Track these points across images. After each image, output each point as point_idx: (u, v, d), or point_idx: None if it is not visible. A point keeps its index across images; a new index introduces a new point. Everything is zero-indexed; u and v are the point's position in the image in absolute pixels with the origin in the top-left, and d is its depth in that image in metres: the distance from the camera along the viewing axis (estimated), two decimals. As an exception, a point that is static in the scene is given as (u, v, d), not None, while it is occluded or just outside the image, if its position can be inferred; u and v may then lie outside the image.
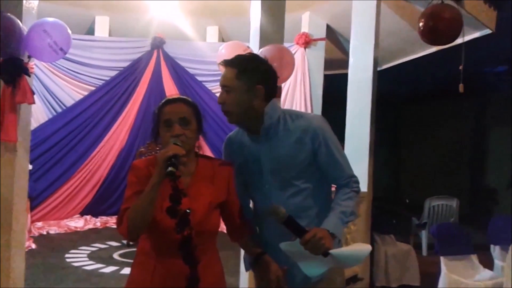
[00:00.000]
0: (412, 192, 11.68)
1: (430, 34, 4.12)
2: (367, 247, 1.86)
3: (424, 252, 6.83)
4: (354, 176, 2.06)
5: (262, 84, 1.98)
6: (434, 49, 6.35)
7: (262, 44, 3.79)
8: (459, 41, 4.29)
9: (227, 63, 2.00)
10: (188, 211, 1.79)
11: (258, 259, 1.97)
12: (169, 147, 1.76)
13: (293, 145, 1.99)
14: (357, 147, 4.86)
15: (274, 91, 2.07)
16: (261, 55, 3.52)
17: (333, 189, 2.11)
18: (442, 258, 4.35)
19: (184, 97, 1.96)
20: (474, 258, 4.49)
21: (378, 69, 5.66)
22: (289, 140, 1.99)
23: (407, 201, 9.91)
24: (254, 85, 1.97)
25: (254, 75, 1.97)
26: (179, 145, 1.77)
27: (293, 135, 1.99)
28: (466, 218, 7.87)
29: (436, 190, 8.02)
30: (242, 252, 3.93)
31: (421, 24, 4.09)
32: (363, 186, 4.76)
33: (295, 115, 2.06)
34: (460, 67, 4.23)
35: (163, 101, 1.93)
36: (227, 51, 3.92)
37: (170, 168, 1.69)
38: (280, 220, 1.80)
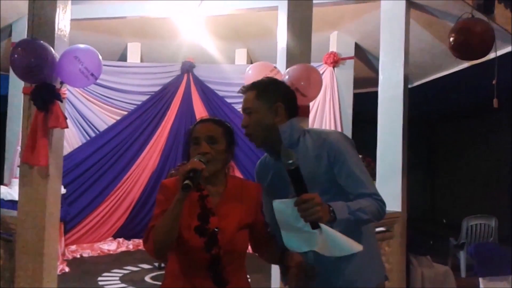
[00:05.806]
0: (449, 212, 11.39)
1: (461, 49, 4.04)
2: (359, 246, 1.75)
3: (463, 273, 6.58)
4: (379, 195, 1.97)
5: (282, 102, 2.03)
6: (466, 64, 6.23)
7: (289, 64, 3.78)
8: (491, 55, 4.19)
9: (246, 88, 2.07)
10: (216, 230, 1.80)
11: (283, 257, 1.94)
12: (190, 161, 1.78)
13: (312, 162, 1.98)
14: (389, 166, 4.74)
15: (295, 110, 2.10)
16: (288, 75, 3.55)
17: None
18: (480, 279, 4.20)
19: (217, 118, 1.99)
20: (514, 279, 4.30)
21: (410, 86, 5.56)
22: (309, 157, 1.98)
23: (444, 221, 9.64)
24: (274, 103, 2.01)
25: (273, 94, 2.03)
26: (202, 161, 1.77)
27: (312, 152, 2.00)
28: (506, 238, 7.59)
29: (474, 209, 7.77)
30: (273, 273, 3.90)
31: (451, 39, 4.01)
32: (397, 206, 4.64)
33: (314, 133, 2.07)
34: (494, 82, 4.13)
35: (197, 121, 1.98)
36: (254, 72, 3.92)
37: (186, 181, 1.68)
38: (289, 165, 1.71)
